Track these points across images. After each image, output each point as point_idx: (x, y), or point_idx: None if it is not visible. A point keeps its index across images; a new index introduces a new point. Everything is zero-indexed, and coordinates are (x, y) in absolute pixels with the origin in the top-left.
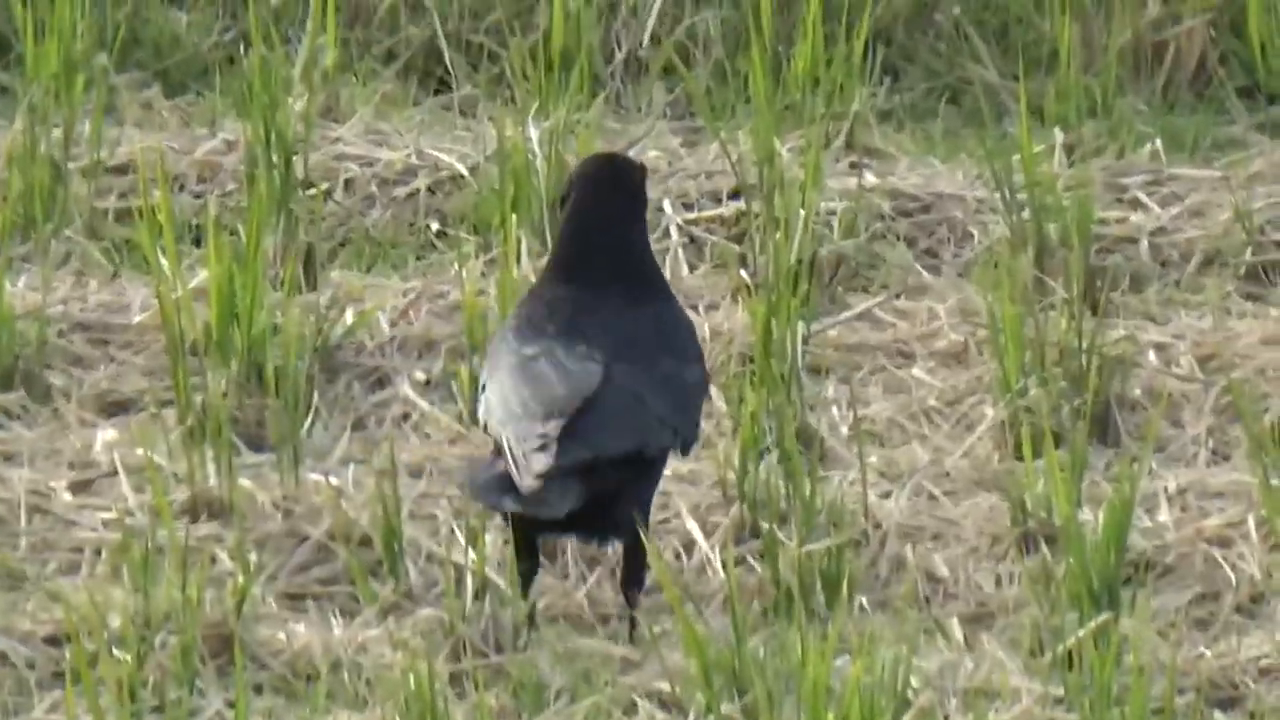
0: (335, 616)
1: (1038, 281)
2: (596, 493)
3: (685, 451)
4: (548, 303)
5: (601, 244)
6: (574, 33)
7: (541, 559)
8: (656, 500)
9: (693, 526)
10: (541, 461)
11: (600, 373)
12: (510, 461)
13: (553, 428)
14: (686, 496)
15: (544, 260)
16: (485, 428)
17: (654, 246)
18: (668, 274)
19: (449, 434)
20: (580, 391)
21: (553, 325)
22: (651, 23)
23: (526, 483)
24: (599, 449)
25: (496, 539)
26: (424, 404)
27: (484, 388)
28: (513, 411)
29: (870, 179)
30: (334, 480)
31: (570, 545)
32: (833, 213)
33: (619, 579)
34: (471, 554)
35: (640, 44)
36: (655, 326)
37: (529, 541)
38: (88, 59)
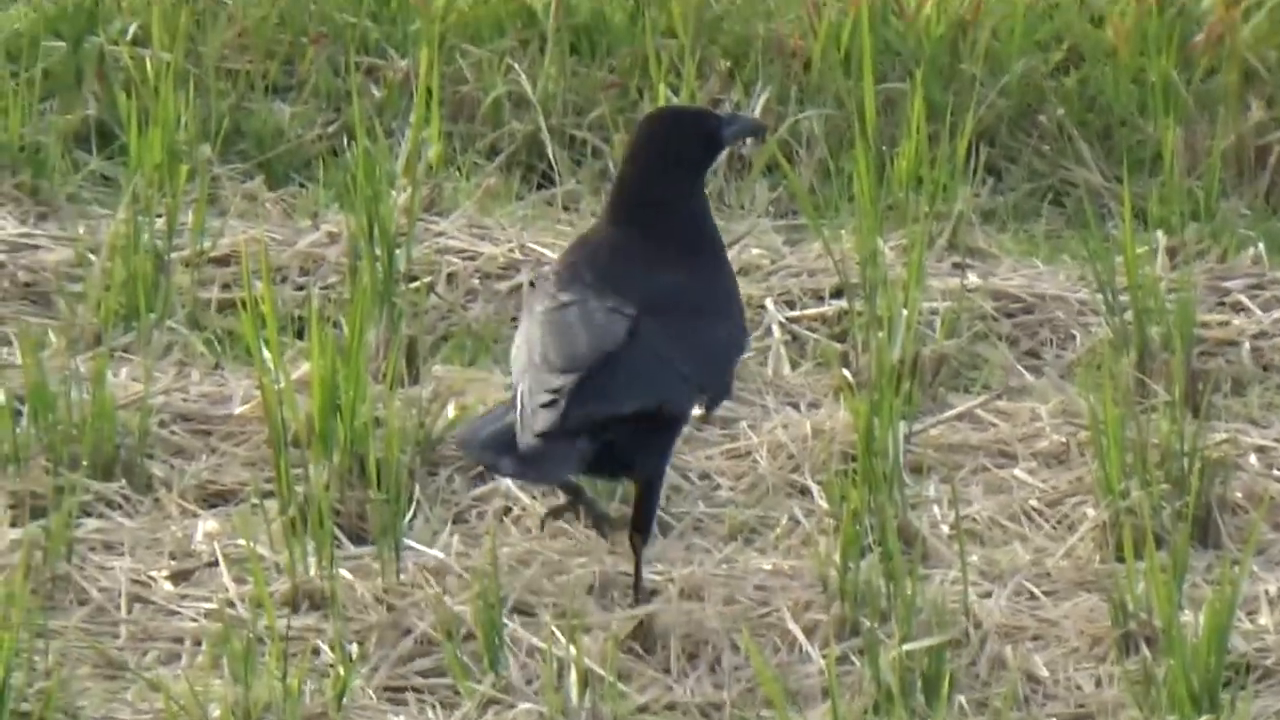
0: (435, 710)
1: (1139, 384)
2: (609, 444)
3: (712, 407)
4: (593, 248)
5: (658, 194)
6: None
7: (642, 650)
8: (756, 597)
9: (793, 625)
10: (545, 419)
11: (626, 327)
12: (518, 412)
13: (567, 382)
14: (788, 593)
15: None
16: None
17: (755, 344)
18: (769, 372)
19: (551, 529)
20: (601, 346)
21: (591, 273)
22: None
23: (525, 439)
24: (612, 408)
25: (597, 635)
26: (525, 498)
27: (518, 332)
28: (532, 361)
29: (973, 279)
30: (435, 573)
31: (673, 639)
32: (935, 312)
33: (630, 525)
34: (572, 648)
35: (744, 142)
36: (694, 281)
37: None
38: (191, 149)
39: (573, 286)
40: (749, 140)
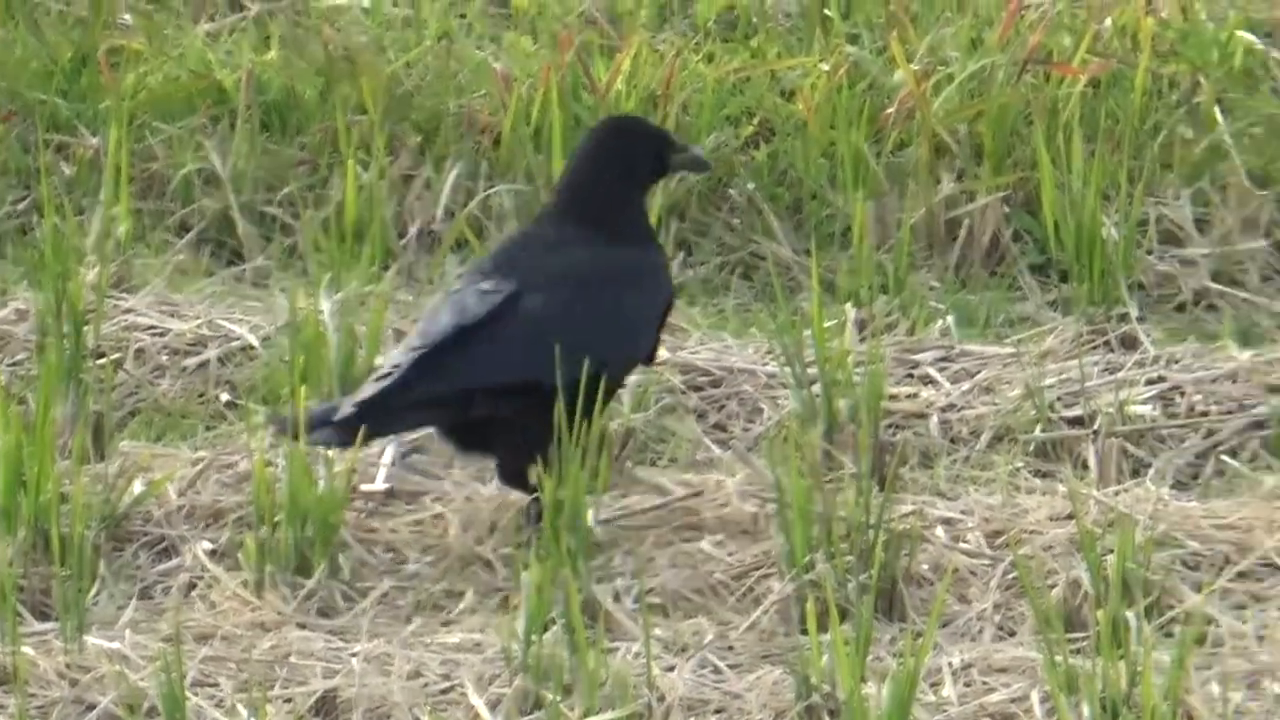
0: None
1: (827, 456)
2: (478, 420)
3: (616, 372)
4: (509, 240)
5: (592, 193)
6: (367, 205)
7: None
8: (441, 670)
9: (476, 699)
10: (370, 389)
11: (491, 304)
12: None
13: (409, 358)
14: (472, 666)
15: None
16: None
17: None
18: None
19: (236, 602)
20: (454, 323)
21: (493, 260)
22: (445, 196)
23: (344, 409)
24: (461, 382)
25: (281, 708)
26: (216, 569)
27: None
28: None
29: (661, 353)
30: (119, 648)
31: (357, 713)
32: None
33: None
34: None
35: (434, 217)
36: (601, 264)
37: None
38: None
39: (471, 275)
40: (691, 174)
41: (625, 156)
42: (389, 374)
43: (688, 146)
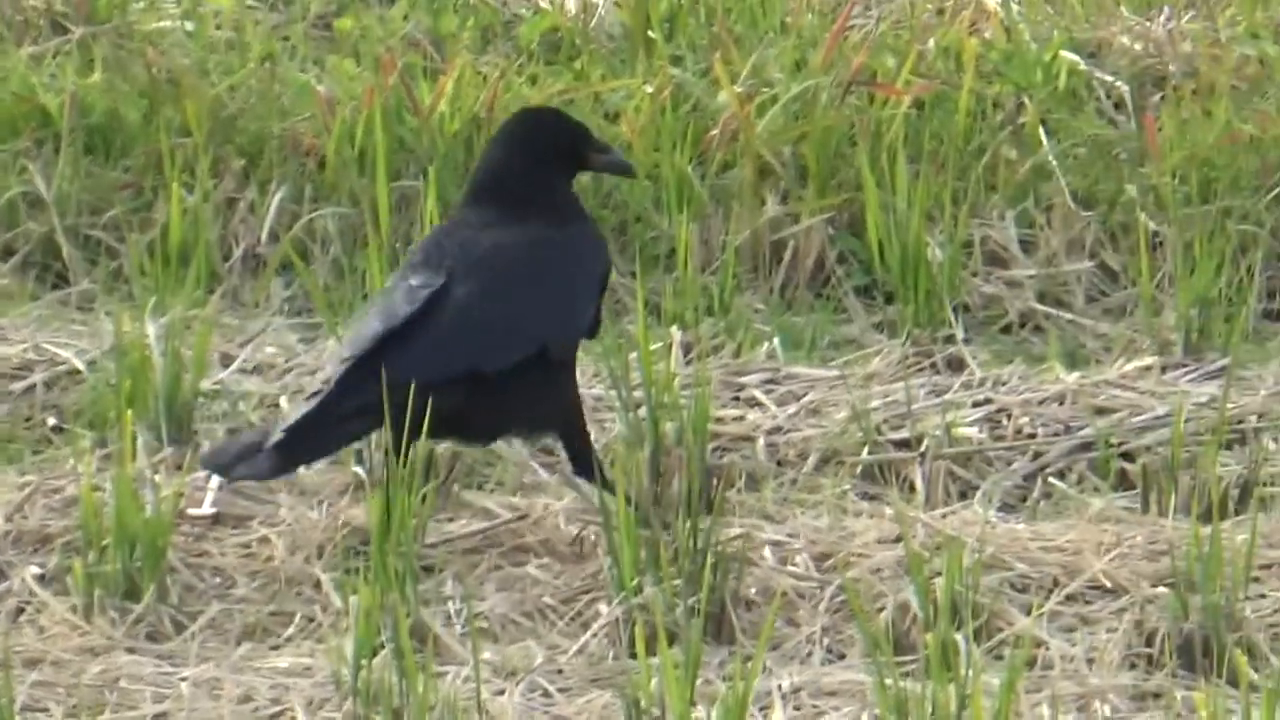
0: None
1: (654, 480)
2: (440, 413)
3: (559, 350)
4: (436, 230)
5: (501, 181)
6: (192, 229)
7: None
8: (270, 695)
9: None
10: (300, 411)
11: (426, 296)
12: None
13: (337, 370)
14: (301, 691)
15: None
16: None
17: None
18: None
19: (65, 627)
20: (390, 322)
21: (422, 252)
22: (270, 219)
23: (274, 436)
24: (407, 378)
25: None
26: (44, 594)
27: None
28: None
29: None
30: None
31: None
32: None
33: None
34: None
35: (259, 240)
36: (529, 244)
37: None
38: None
39: (401, 271)
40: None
41: (536, 148)
42: (319, 391)
43: (609, 147)
